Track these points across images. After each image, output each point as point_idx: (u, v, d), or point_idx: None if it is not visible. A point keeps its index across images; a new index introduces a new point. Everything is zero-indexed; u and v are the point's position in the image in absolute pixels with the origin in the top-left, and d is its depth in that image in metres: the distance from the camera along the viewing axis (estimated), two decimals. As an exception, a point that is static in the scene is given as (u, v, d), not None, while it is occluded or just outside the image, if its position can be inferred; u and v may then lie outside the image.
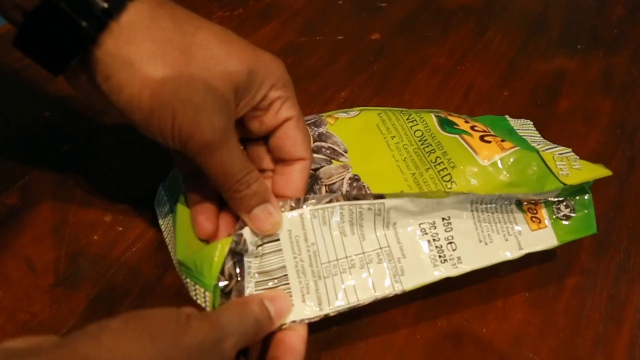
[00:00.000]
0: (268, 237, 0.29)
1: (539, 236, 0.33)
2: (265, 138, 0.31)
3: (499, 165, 0.32)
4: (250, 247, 0.29)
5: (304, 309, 0.29)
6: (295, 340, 0.28)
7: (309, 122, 0.36)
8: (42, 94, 0.47)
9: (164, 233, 0.34)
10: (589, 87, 0.49)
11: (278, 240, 0.29)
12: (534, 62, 0.52)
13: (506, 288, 0.35)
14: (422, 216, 0.32)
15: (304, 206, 0.30)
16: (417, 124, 0.36)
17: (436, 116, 0.36)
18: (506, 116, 0.43)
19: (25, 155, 0.42)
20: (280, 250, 0.29)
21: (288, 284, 0.29)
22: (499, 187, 0.32)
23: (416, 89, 0.49)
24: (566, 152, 0.37)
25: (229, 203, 0.30)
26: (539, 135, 0.40)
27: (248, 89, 0.28)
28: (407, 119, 0.36)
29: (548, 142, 0.38)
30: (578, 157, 0.34)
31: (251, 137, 0.31)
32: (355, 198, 0.30)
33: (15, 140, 0.43)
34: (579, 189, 0.34)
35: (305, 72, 0.51)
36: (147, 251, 0.36)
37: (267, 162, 0.32)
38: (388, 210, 0.31)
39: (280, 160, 0.31)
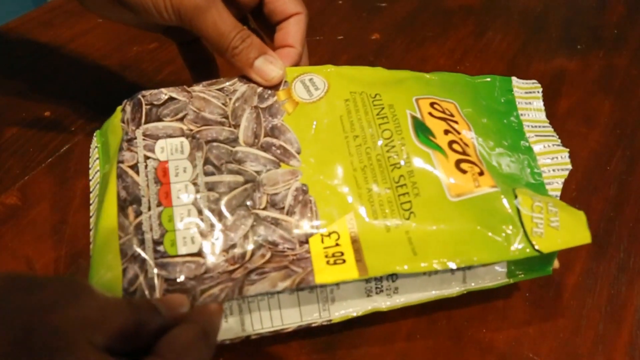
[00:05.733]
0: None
1: (488, 269, 0.30)
2: (257, 14, 0.35)
3: (467, 206, 0.29)
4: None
5: (225, 329, 0.28)
6: None
7: (264, 105, 0.32)
8: (42, 94, 0.47)
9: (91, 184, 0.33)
10: (589, 87, 0.49)
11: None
12: (534, 62, 0.52)
13: (506, 288, 0.35)
14: None
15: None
16: (387, 122, 0.31)
17: (412, 116, 0.32)
18: (513, 78, 0.37)
19: (25, 155, 0.42)
20: None
21: None
22: (459, 239, 0.28)
23: (416, 89, 0.49)
24: (561, 156, 0.33)
25: (231, 62, 0.33)
26: (542, 111, 0.35)
27: None
28: (377, 114, 0.32)
29: (547, 130, 0.35)
30: (557, 210, 0.29)
31: (244, 11, 0.35)
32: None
33: (15, 140, 0.43)
34: None
35: (305, 72, 0.51)
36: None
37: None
38: None
39: (276, 23, 0.35)
